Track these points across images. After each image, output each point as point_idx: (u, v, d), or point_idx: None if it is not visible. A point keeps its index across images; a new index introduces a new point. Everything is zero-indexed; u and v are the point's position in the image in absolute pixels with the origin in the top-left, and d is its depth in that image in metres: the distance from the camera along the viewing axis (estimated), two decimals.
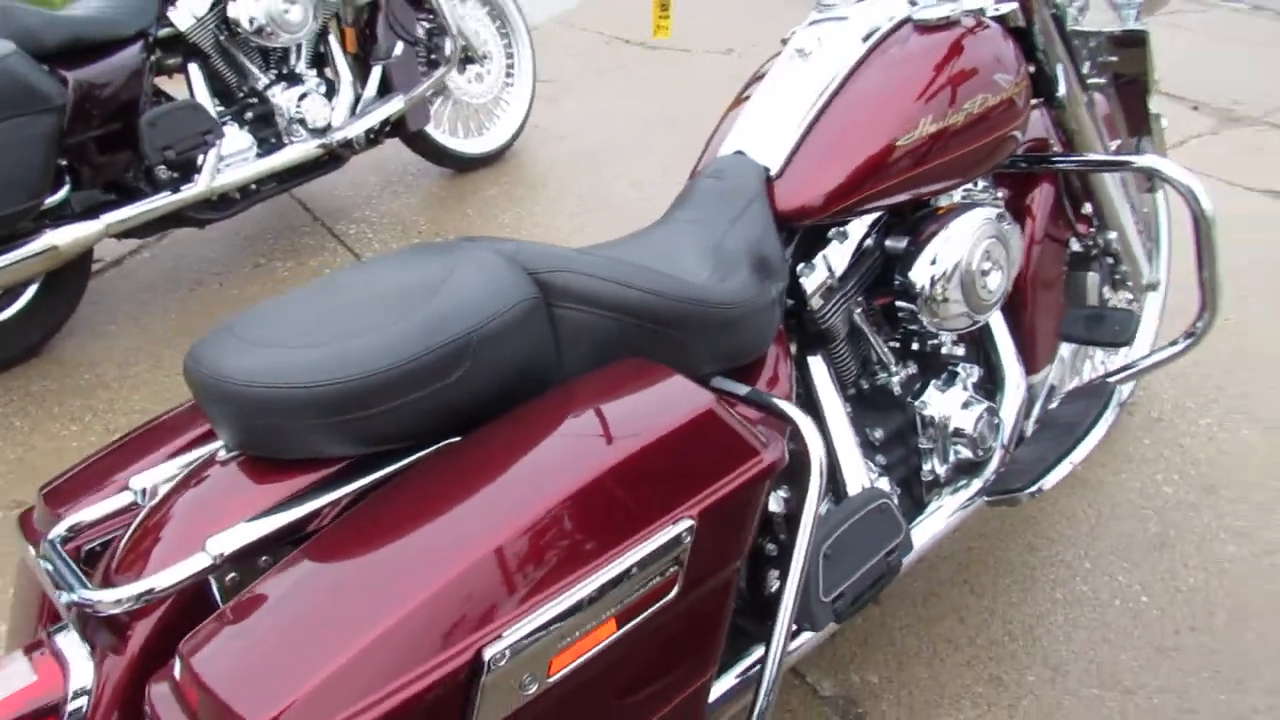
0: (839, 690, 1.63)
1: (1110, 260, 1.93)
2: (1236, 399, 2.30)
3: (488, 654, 0.77)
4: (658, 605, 0.89)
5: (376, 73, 2.84)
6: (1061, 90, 1.65)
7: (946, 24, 1.46)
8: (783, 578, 1.08)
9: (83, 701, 0.89)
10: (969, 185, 1.58)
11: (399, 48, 2.88)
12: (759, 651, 1.19)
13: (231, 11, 2.53)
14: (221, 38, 2.58)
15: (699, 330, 1.15)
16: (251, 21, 2.53)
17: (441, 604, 0.78)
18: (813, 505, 1.06)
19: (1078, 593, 1.81)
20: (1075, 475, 2.04)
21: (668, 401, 0.96)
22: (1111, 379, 1.72)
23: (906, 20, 1.47)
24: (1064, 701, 1.62)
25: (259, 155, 2.62)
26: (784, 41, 1.60)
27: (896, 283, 1.44)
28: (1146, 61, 1.75)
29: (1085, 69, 1.69)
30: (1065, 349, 1.87)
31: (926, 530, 1.49)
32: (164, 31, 2.46)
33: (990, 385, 1.64)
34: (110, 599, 0.86)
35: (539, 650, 0.80)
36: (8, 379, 2.34)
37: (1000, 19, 1.54)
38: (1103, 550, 1.90)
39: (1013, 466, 1.59)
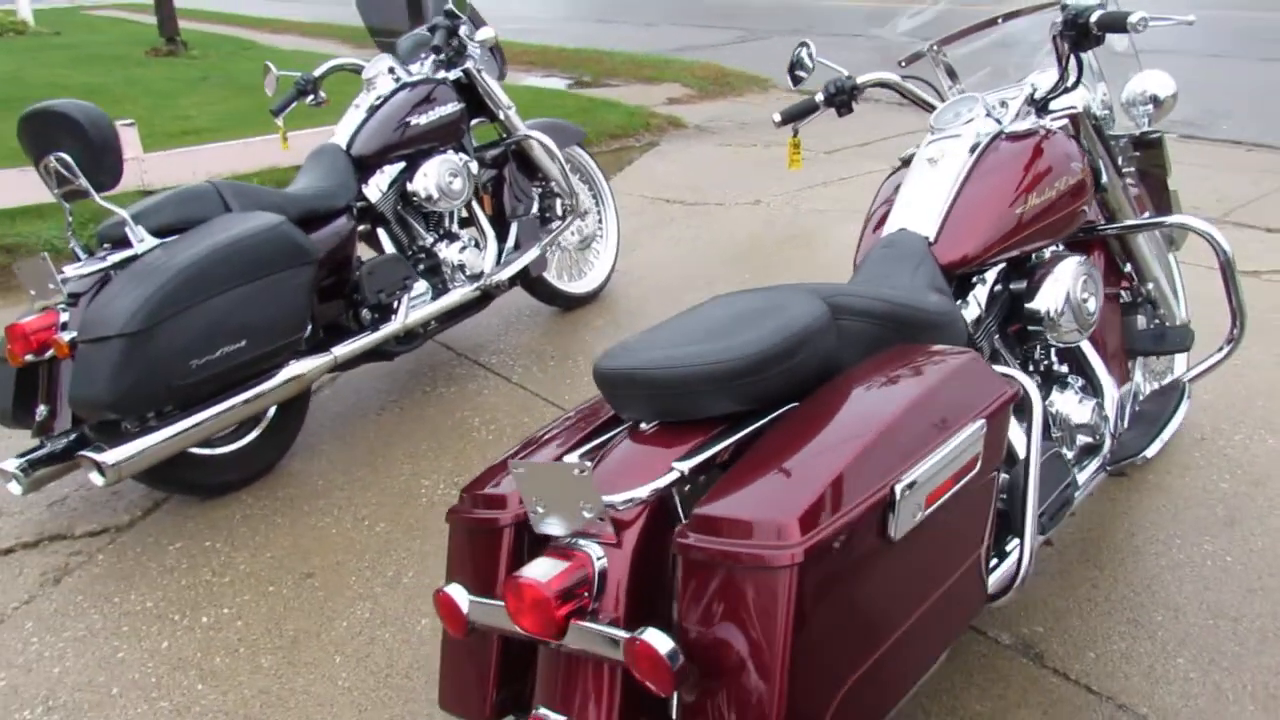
0: (1016, 640, 2.07)
1: (1150, 306, 2.50)
2: (1258, 419, 2.84)
3: (897, 487, 1.26)
4: (968, 477, 1.38)
5: (514, 229, 3.45)
6: (1104, 178, 2.26)
7: (1029, 133, 2.07)
8: (1026, 485, 1.58)
9: (602, 574, 1.34)
10: (1054, 246, 2.16)
11: (534, 207, 3.51)
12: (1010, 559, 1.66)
13: (410, 186, 3.15)
14: (399, 206, 3.18)
15: (923, 331, 1.67)
16: (425, 192, 3.14)
17: (866, 459, 1.26)
18: (1038, 431, 1.57)
19: (1176, 559, 2.29)
20: (1150, 483, 2.56)
21: (944, 358, 1.49)
22: (1185, 378, 2.26)
23: (1000, 133, 2.07)
24: (1190, 630, 2.07)
25: (432, 298, 3.17)
26: (902, 159, 2.22)
27: (1026, 311, 1.99)
28: (1164, 155, 2.38)
29: (1120, 161, 2.31)
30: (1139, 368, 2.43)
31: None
32: (359, 203, 3.06)
33: (1092, 393, 2.16)
34: (620, 500, 1.33)
35: (920, 488, 1.29)
36: (255, 489, 2.79)
37: (1061, 128, 2.16)
38: (1186, 530, 2.39)
39: (1121, 447, 2.10)
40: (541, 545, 1.42)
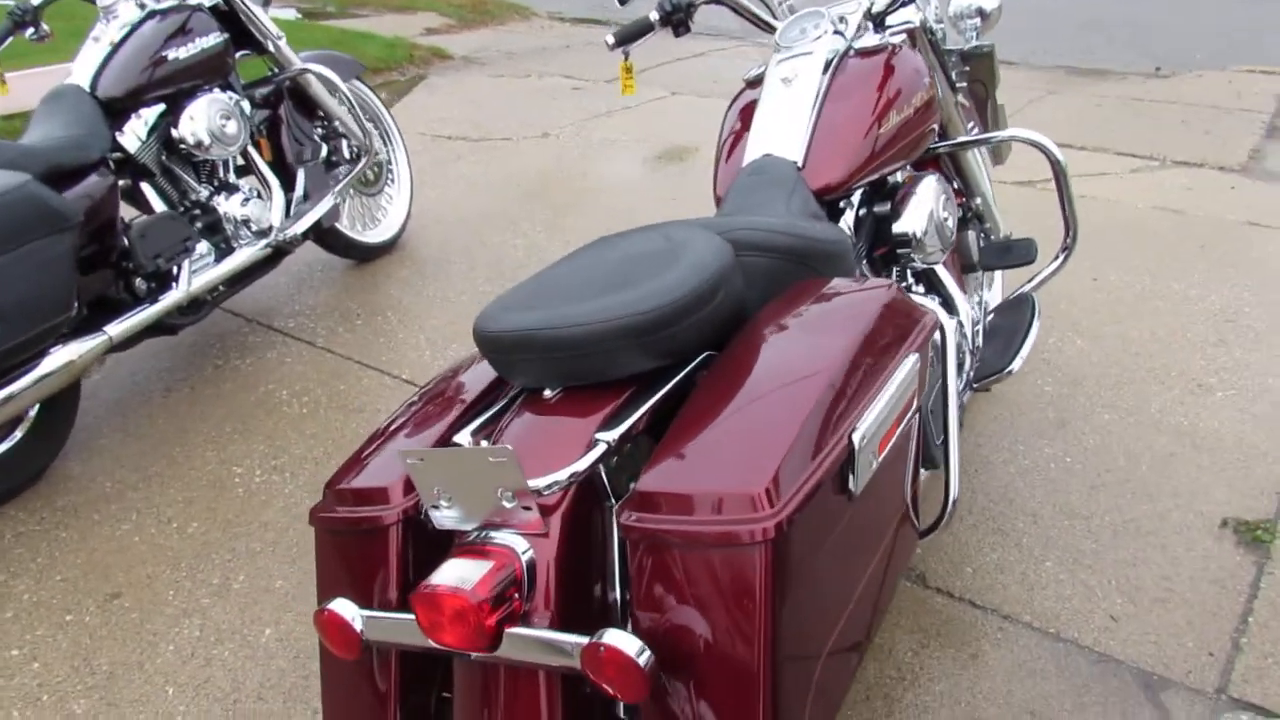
0: None
1: (978, 220, 2.55)
2: (1066, 323, 3.01)
3: (855, 437, 1.15)
4: (909, 416, 1.30)
5: (302, 175, 3.07)
6: (940, 93, 2.24)
7: (878, 49, 2.01)
8: (946, 414, 1.53)
9: (531, 570, 1.16)
10: (906, 166, 2.12)
11: (323, 150, 3.14)
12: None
13: (175, 131, 2.71)
14: (163, 156, 2.74)
15: (821, 261, 1.57)
16: (194, 138, 2.71)
17: (820, 413, 1.15)
18: (954, 359, 1.51)
19: (1024, 465, 2.37)
20: (983, 392, 2.63)
21: (866, 292, 1.39)
22: (1027, 289, 2.31)
23: (848, 50, 2.00)
24: (1049, 534, 2.15)
25: (217, 260, 2.77)
26: (747, 81, 2.10)
27: (894, 234, 1.94)
28: (993, 69, 2.39)
29: (953, 76, 2.30)
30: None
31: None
32: (114, 155, 2.60)
33: (950, 312, 2.16)
34: (545, 483, 1.15)
35: (875, 436, 1.19)
36: (26, 501, 2.34)
37: (903, 43, 2.11)
38: (1025, 435, 2.48)
39: (984, 364, 2.12)
40: (436, 541, 1.23)
